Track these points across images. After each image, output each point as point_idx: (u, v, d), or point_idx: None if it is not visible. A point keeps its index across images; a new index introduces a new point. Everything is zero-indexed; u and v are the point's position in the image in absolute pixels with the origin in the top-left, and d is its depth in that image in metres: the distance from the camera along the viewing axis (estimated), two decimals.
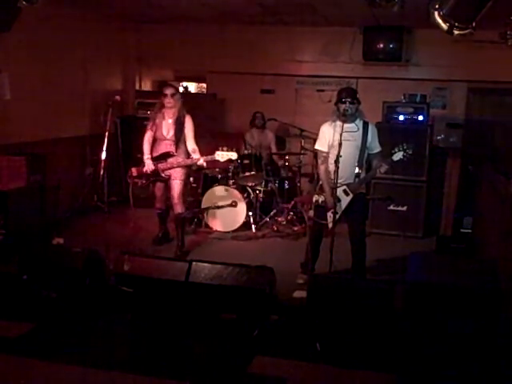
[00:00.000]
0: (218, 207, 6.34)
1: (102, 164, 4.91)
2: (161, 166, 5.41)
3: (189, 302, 4.02)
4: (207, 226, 6.46)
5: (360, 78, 7.29)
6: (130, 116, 7.73)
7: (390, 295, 3.76)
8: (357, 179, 4.56)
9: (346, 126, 4.29)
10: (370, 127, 4.63)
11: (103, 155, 4.91)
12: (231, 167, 6.45)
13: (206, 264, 4.11)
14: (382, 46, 6.97)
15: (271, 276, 4.03)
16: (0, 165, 5.41)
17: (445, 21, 3.55)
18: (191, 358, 3.56)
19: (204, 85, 8.85)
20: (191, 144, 5.40)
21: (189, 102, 5.67)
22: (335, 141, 4.36)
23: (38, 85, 6.06)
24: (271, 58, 7.50)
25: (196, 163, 5.42)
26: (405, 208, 6.40)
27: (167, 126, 5.44)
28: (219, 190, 6.39)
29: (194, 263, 4.12)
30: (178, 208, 5.46)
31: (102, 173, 4.91)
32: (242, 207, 6.32)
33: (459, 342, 3.57)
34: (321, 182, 4.68)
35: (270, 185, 6.69)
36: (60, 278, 4.22)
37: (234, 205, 6.31)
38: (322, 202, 4.56)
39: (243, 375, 3.36)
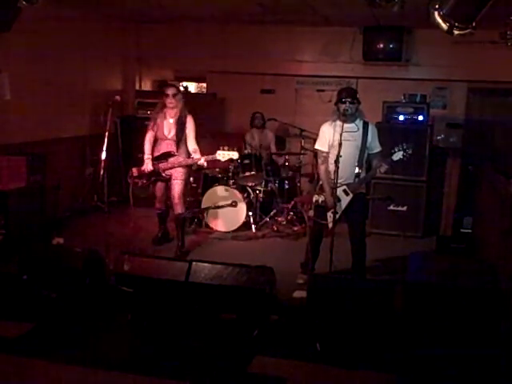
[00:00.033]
0: (218, 207, 6.34)
1: (102, 164, 4.92)
2: (162, 165, 5.41)
3: (189, 302, 4.02)
4: (207, 225, 6.45)
5: (360, 77, 7.29)
6: (130, 116, 7.73)
7: (390, 295, 3.76)
8: (357, 179, 4.56)
9: (346, 125, 4.29)
10: (370, 127, 4.63)
11: (103, 155, 4.92)
12: (231, 167, 6.45)
13: (206, 264, 4.11)
14: (381, 45, 6.97)
15: (271, 276, 4.03)
16: (0, 165, 5.41)
17: (445, 21, 3.55)
18: (191, 358, 3.56)
19: (204, 85, 8.84)
20: (192, 144, 5.40)
21: (189, 102, 5.67)
22: (335, 141, 4.36)
23: (38, 85, 6.05)
24: (271, 58, 7.50)
25: (197, 163, 5.42)
26: (405, 208, 6.40)
27: (168, 126, 5.44)
28: (219, 189, 6.39)
29: (193, 263, 4.11)
30: (179, 208, 5.46)
31: (102, 173, 4.91)
32: (242, 207, 6.32)
33: (459, 342, 3.57)
34: (321, 182, 4.68)
35: (270, 185, 6.69)
36: (60, 277, 4.22)
37: (234, 205, 6.31)
38: (322, 201, 4.56)
39: (243, 375, 3.36)
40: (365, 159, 4.60)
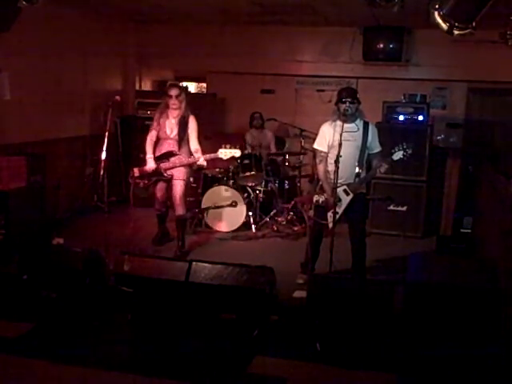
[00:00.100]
0: (218, 207, 6.34)
1: (102, 164, 4.91)
2: (163, 165, 5.40)
3: (189, 301, 4.02)
4: (207, 226, 6.45)
5: (360, 78, 7.29)
6: (130, 116, 7.73)
7: (390, 295, 3.76)
8: (357, 179, 4.56)
9: (346, 125, 4.29)
10: (370, 127, 4.63)
11: (103, 155, 4.91)
12: (231, 167, 6.45)
13: (206, 264, 4.11)
14: (382, 46, 6.97)
15: (271, 276, 4.03)
16: (0, 165, 5.41)
17: (445, 21, 3.54)
18: (191, 358, 3.56)
19: (204, 85, 8.85)
20: (194, 144, 5.39)
21: (189, 102, 5.66)
22: (335, 141, 4.37)
23: (38, 85, 6.06)
24: (271, 58, 7.50)
25: (198, 161, 5.41)
26: (405, 208, 6.39)
27: (171, 126, 5.43)
28: (219, 189, 6.39)
29: (193, 263, 4.11)
30: (180, 210, 5.44)
31: (102, 173, 4.91)
32: (241, 207, 6.32)
33: (459, 342, 3.57)
34: (321, 182, 4.68)
35: (270, 185, 6.69)
36: (60, 278, 4.23)
37: (234, 205, 6.31)
38: (322, 201, 4.56)
39: (243, 375, 3.36)
40: (365, 159, 4.61)
